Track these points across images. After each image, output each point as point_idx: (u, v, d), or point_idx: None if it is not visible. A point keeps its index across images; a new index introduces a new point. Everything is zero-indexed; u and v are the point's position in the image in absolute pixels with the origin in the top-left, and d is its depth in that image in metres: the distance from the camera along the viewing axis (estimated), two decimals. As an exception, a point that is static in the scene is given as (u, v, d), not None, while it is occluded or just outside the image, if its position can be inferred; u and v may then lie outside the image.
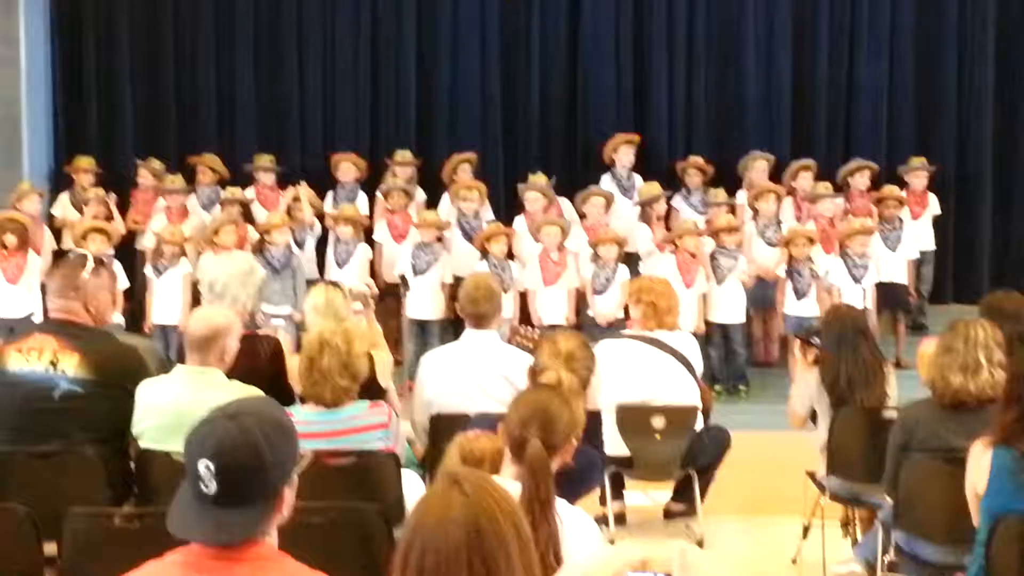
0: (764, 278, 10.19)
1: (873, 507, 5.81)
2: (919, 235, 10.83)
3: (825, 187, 10.70)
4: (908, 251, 10.59)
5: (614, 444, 6.29)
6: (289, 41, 11.92)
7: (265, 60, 11.95)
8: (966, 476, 4.41)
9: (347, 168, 11.00)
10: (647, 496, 7.15)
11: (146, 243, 10.57)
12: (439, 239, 10.27)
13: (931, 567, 4.95)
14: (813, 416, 6.22)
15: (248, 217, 10.55)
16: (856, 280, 9.84)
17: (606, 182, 11.03)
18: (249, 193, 10.82)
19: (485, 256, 9.92)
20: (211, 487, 2.52)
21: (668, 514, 7.02)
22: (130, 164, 11.33)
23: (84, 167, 10.96)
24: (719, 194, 10.74)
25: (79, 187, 10.84)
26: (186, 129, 11.92)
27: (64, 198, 10.92)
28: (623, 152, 11.10)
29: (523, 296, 10.02)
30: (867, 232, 10.09)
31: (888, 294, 10.27)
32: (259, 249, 9.90)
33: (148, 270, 10.03)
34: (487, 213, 10.70)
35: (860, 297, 9.59)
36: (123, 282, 8.90)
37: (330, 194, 10.96)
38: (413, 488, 4.93)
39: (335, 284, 6.16)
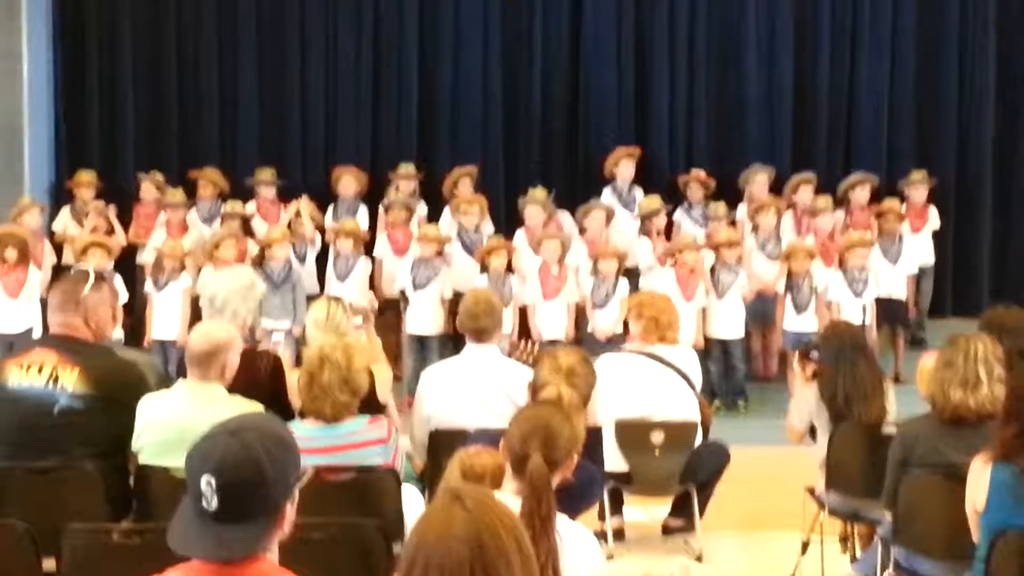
0: (763, 293, 10.20)
1: (872, 523, 5.81)
2: (919, 249, 10.84)
3: (825, 201, 10.71)
4: (908, 265, 10.60)
5: (613, 459, 6.29)
6: (291, 41, 11.94)
7: (268, 60, 11.98)
8: (966, 492, 4.41)
9: (348, 182, 11.02)
10: (646, 512, 7.14)
11: (146, 258, 10.58)
12: (439, 253, 10.27)
13: (931, 583, 4.95)
14: (812, 431, 6.22)
15: (248, 231, 10.56)
16: (856, 295, 9.85)
17: (606, 196, 11.05)
18: (250, 207, 10.83)
19: (485, 270, 9.93)
20: (212, 503, 2.52)
21: (667, 530, 7.00)
22: (132, 177, 11.34)
23: (85, 182, 10.97)
24: (719, 208, 10.74)
25: (80, 201, 10.86)
26: (188, 130, 11.93)
27: (65, 212, 10.94)
28: (624, 166, 11.12)
29: (523, 311, 10.02)
30: (866, 245, 10.11)
31: (887, 309, 10.27)
32: (259, 263, 9.91)
33: (148, 284, 10.03)
34: (488, 227, 10.72)
35: (860, 312, 9.61)
36: (123, 296, 8.90)
37: (330, 208, 10.98)
38: (412, 503, 4.93)
39: (336, 299, 6.15)
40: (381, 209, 10.89)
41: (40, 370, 4.73)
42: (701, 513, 6.64)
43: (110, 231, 10.52)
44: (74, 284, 4.97)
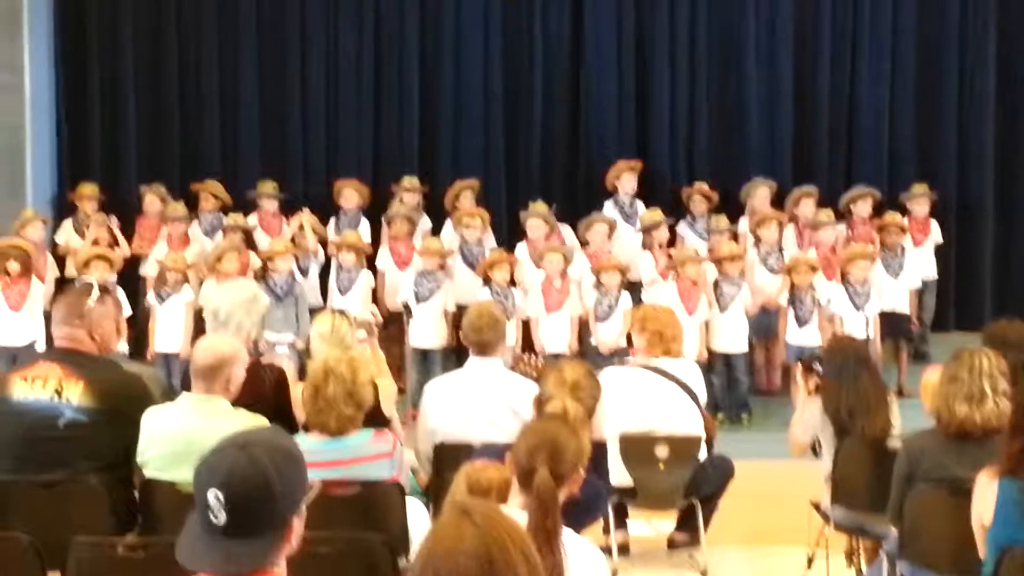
0: (766, 306, 10.20)
1: (878, 537, 5.79)
2: (921, 263, 10.83)
3: (827, 215, 10.71)
4: (910, 279, 10.60)
5: (617, 473, 6.27)
6: (292, 41, 11.96)
7: (268, 61, 12.00)
8: (972, 507, 4.40)
9: (350, 195, 11.03)
10: (650, 526, 7.13)
11: (148, 270, 10.58)
12: (441, 267, 10.28)
13: (937, 598, 4.93)
14: (814, 446, 6.20)
15: (250, 244, 10.56)
16: (858, 308, 9.84)
17: (608, 209, 11.05)
18: (252, 220, 10.83)
19: (487, 284, 9.93)
20: (220, 517, 2.51)
21: (672, 544, 7.00)
22: (134, 189, 11.35)
23: (87, 194, 10.97)
24: (721, 221, 10.75)
25: (82, 214, 10.86)
26: (190, 135, 11.95)
27: (68, 225, 10.94)
28: (625, 179, 11.13)
29: (525, 324, 10.02)
30: (868, 257, 10.11)
31: (890, 323, 10.26)
32: (261, 276, 9.90)
33: (150, 297, 10.03)
34: (490, 240, 10.72)
35: (862, 325, 9.60)
36: (127, 309, 8.90)
37: (332, 221, 10.99)
38: (417, 517, 4.92)
39: (341, 312, 6.15)
40: (383, 221, 10.90)
41: (45, 383, 4.73)
42: (706, 527, 6.62)
43: (112, 243, 10.52)
44: (78, 297, 4.97)
